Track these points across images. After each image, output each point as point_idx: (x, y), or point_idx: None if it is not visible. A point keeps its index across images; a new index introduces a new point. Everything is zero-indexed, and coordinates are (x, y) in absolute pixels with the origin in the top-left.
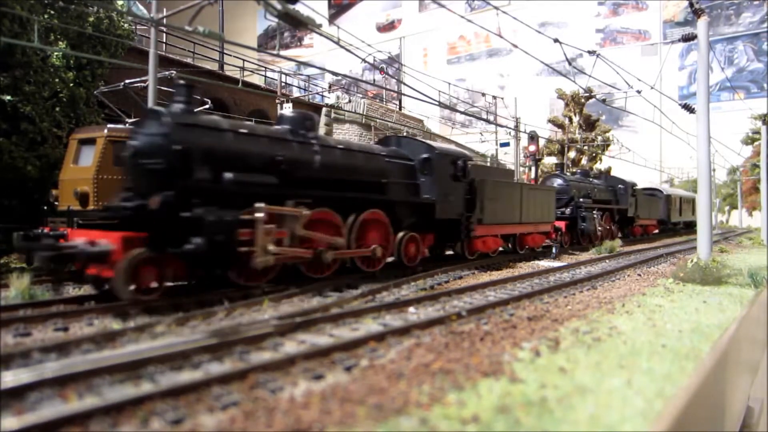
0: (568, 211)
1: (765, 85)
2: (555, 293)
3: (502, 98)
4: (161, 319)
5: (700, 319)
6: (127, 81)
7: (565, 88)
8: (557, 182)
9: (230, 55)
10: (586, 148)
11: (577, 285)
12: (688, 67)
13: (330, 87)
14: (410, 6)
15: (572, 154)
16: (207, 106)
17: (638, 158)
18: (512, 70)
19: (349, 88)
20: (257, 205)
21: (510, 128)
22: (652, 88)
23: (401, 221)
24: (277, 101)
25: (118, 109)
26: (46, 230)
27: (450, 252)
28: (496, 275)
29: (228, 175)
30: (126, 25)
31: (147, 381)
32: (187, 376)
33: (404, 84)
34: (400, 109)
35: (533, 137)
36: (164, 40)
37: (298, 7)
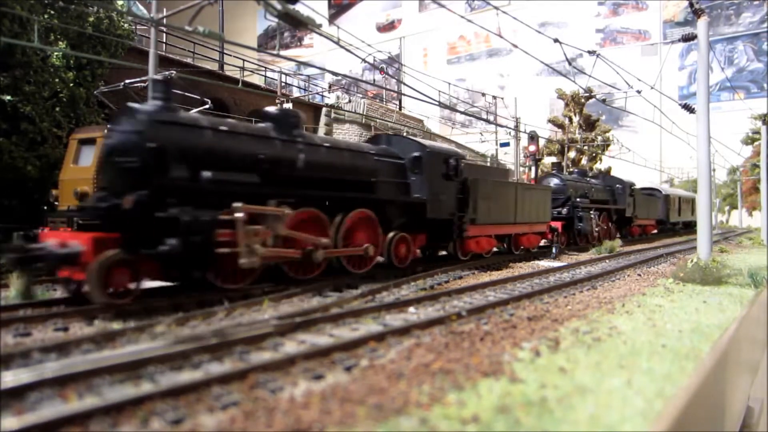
0: (564, 211)
1: (765, 85)
2: (555, 293)
3: (502, 98)
4: (162, 319)
5: (700, 319)
6: (127, 81)
7: (565, 88)
8: (553, 182)
9: (230, 55)
10: (586, 148)
11: (577, 285)
12: (688, 67)
13: (330, 87)
14: (410, 6)
15: (572, 154)
16: (207, 106)
17: (638, 158)
18: (512, 70)
19: (349, 88)
20: (235, 204)
21: (510, 128)
22: (652, 88)
23: (391, 221)
24: (277, 101)
25: (118, 109)
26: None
27: (443, 252)
28: (496, 275)
29: (206, 174)
30: (126, 25)
31: (147, 381)
32: (187, 376)
33: (404, 84)
34: (400, 109)
35: (533, 137)
36: (164, 40)
37: (298, 7)
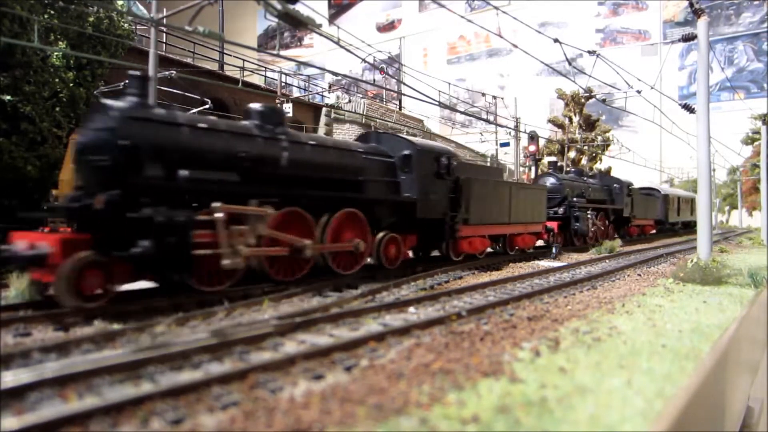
0: (560, 210)
1: (765, 85)
2: (555, 293)
3: (502, 98)
4: (162, 319)
5: (700, 319)
6: (126, 81)
7: (565, 88)
8: (550, 181)
9: (230, 55)
10: (586, 148)
11: (577, 285)
12: (688, 67)
13: (330, 87)
14: (410, 6)
15: (572, 154)
16: (207, 106)
17: (638, 158)
18: (512, 70)
19: (349, 88)
20: (214, 204)
21: (510, 128)
22: (652, 88)
23: (380, 221)
24: (277, 101)
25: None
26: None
27: (436, 253)
28: (495, 275)
29: (183, 173)
30: (126, 25)
31: (147, 381)
32: (187, 376)
33: (404, 84)
34: (400, 109)
35: (533, 137)
36: (164, 40)
37: (298, 7)
